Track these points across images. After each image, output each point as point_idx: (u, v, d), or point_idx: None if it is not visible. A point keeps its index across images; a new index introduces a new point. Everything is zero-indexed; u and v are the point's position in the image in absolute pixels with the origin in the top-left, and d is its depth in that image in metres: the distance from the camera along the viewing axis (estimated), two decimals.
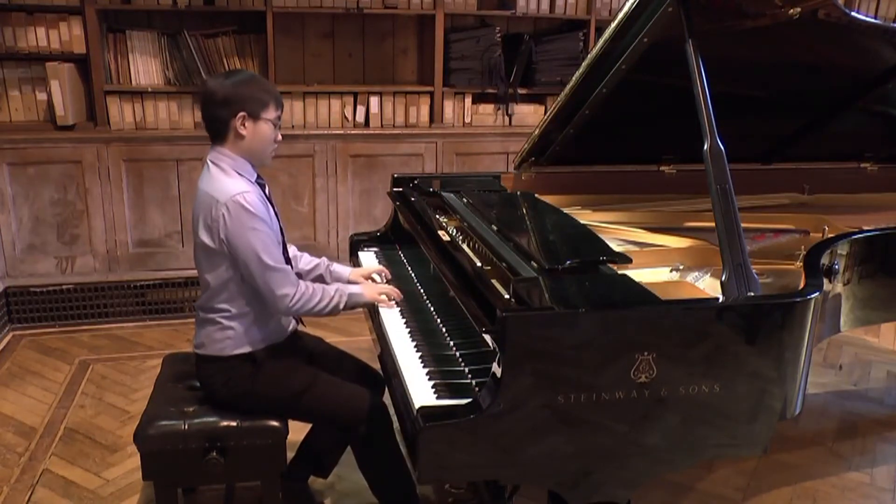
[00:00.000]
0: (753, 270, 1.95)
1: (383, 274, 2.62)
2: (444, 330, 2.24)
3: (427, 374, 2.01)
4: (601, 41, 2.45)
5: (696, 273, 2.34)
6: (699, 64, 2.11)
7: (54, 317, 4.11)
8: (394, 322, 2.35)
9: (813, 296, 1.94)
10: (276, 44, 4.21)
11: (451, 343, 2.15)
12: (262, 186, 2.27)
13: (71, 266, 4.09)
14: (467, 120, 4.61)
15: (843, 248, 2.41)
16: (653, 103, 2.72)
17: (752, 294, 1.92)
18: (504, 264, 2.06)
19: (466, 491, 2.51)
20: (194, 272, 2.36)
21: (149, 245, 4.18)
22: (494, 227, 2.35)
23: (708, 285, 2.24)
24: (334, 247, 4.38)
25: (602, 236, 2.28)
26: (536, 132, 2.88)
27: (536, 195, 2.79)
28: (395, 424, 2.15)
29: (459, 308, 2.11)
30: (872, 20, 2.84)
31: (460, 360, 2.07)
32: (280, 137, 2.27)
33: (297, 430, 2.82)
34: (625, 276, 2.00)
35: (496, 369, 1.73)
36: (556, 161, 3.00)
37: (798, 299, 1.92)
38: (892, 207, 3.10)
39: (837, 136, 3.11)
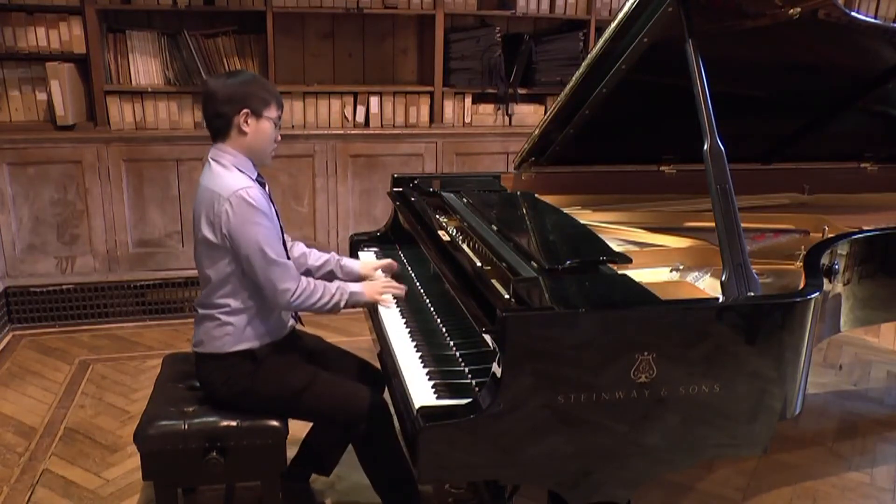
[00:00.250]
0: (753, 270, 1.95)
1: (392, 266, 2.62)
2: (444, 330, 2.24)
3: (427, 374, 2.01)
4: (601, 41, 2.45)
5: (696, 273, 2.34)
6: (699, 64, 2.11)
7: (54, 317, 4.11)
8: (394, 322, 2.35)
9: (813, 296, 1.94)
10: (276, 44, 4.21)
11: (451, 343, 2.15)
12: (263, 185, 2.28)
13: (71, 266, 4.09)
14: (467, 120, 4.61)
15: (843, 248, 2.41)
16: (653, 103, 2.72)
17: (752, 294, 1.92)
18: (504, 264, 2.06)
19: (466, 491, 2.51)
20: (194, 272, 2.37)
21: (149, 245, 4.18)
22: (494, 227, 2.35)
23: (708, 285, 2.24)
24: (334, 247, 4.38)
25: (602, 236, 2.28)
26: (536, 132, 2.88)
27: (536, 195, 2.79)
28: (396, 424, 2.16)
29: (459, 308, 2.11)
30: (872, 20, 2.84)
31: (460, 360, 2.07)
32: (279, 138, 2.30)
33: (298, 430, 2.82)
34: (625, 276, 2.00)
35: (496, 369, 1.73)
36: (556, 161, 3.00)
37: (798, 299, 1.92)
38: (892, 207, 3.10)
39: (837, 136, 3.11)
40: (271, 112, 2.22)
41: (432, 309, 2.39)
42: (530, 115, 4.64)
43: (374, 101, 4.41)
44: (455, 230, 2.55)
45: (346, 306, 2.32)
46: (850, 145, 3.24)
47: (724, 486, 2.86)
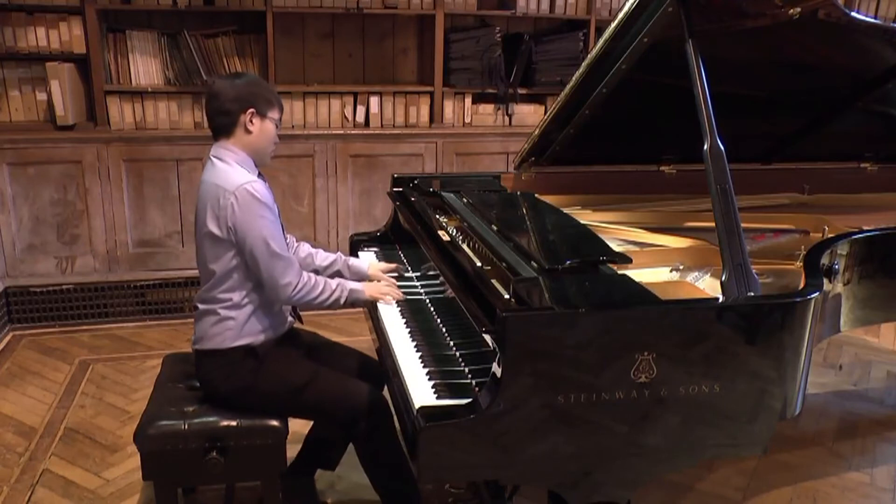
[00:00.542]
0: (753, 270, 1.95)
1: (400, 270, 2.63)
2: (444, 330, 2.24)
3: (427, 374, 2.01)
4: (601, 41, 2.45)
5: (696, 273, 2.34)
6: (699, 64, 2.11)
7: (54, 317, 4.11)
8: (394, 322, 2.35)
9: (813, 296, 1.94)
10: (276, 44, 4.21)
11: (451, 343, 2.15)
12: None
13: (71, 266, 4.09)
14: (467, 120, 4.61)
15: (843, 248, 2.41)
16: (653, 103, 2.72)
17: (752, 294, 1.92)
18: (504, 264, 2.06)
19: (466, 491, 2.51)
20: (194, 272, 2.37)
21: (149, 245, 4.18)
22: (494, 227, 2.35)
23: (708, 285, 2.24)
24: (334, 247, 4.38)
25: (602, 236, 2.28)
26: (536, 132, 2.88)
27: (536, 195, 2.79)
28: (396, 424, 2.16)
29: (459, 308, 2.11)
30: (872, 20, 2.84)
31: (460, 360, 2.07)
32: (278, 139, 2.34)
33: (298, 430, 2.82)
34: (625, 276, 2.00)
35: (496, 369, 1.73)
36: (556, 161, 3.00)
37: (798, 299, 1.92)
38: (892, 207, 3.10)
39: (837, 136, 3.11)
40: (274, 113, 2.28)
41: (432, 309, 2.39)
42: (530, 115, 4.64)
43: (374, 101, 4.41)
44: (455, 230, 2.55)
45: (345, 304, 2.33)
46: (850, 145, 3.24)
47: (724, 486, 2.86)
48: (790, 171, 3.24)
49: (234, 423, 2.21)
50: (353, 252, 2.99)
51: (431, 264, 2.27)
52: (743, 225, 2.01)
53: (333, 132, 4.35)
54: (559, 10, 4.59)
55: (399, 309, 2.42)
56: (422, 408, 1.79)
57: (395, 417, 2.07)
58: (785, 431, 3.19)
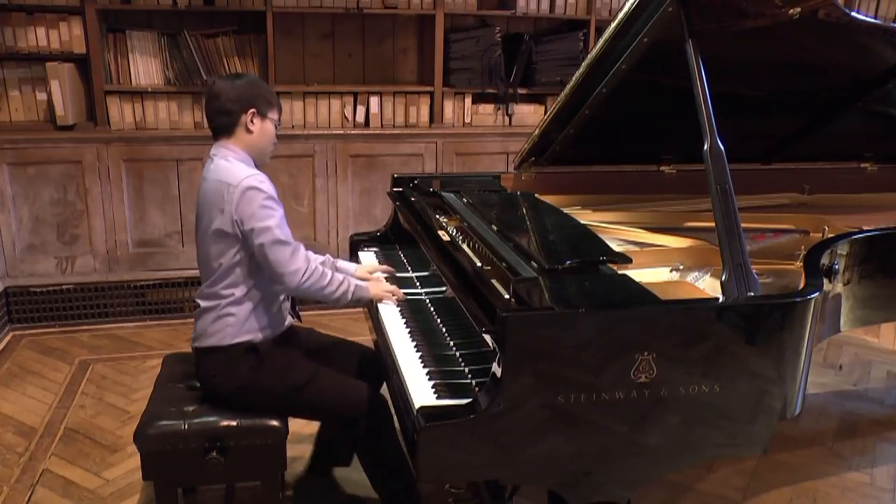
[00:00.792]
0: (753, 270, 1.95)
1: (388, 272, 2.63)
2: (444, 330, 2.24)
3: (427, 374, 2.01)
4: (601, 41, 2.45)
5: (696, 273, 2.34)
6: (699, 64, 2.11)
7: (54, 317, 4.11)
8: (394, 322, 2.35)
9: (813, 296, 1.94)
10: (276, 44, 4.21)
11: (451, 343, 2.15)
12: None
13: (71, 266, 4.09)
14: (467, 120, 4.61)
15: (843, 248, 2.41)
16: (653, 103, 2.72)
17: (752, 294, 1.92)
18: (504, 264, 2.06)
19: (466, 491, 2.51)
20: (194, 272, 2.37)
21: (149, 245, 4.18)
22: (494, 227, 2.35)
23: (708, 285, 2.24)
24: (334, 247, 4.38)
25: (602, 236, 2.28)
26: (536, 132, 2.88)
27: (536, 195, 2.79)
28: (396, 424, 2.16)
29: (459, 308, 2.11)
30: (872, 20, 2.84)
31: (460, 360, 2.07)
32: (276, 139, 2.36)
33: (298, 429, 2.82)
34: (625, 276, 2.00)
35: (496, 369, 1.73)
36: (556, 161, 3.00)
37: (798, 299, 1.92)
38: (892, 207, 3.10)
39: (837, 136, 3.11)
40: (274, 114, 2.31)
41: (432, 309, 2.39)
42: (530, 115, 4.64)
43: (374, 101, 4.41)
44: (455, 230, 2.55)
45: (350, 300, 2.34)
46: (850, 145, 3.24)
47: (724, 486, 2.86)
48: (790, 171, 3.24)
49: (234, 423, 2.21)
50: (354, 252, 2.99)
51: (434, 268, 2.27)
52: (743, 225, 2.01)
53: (333, 132, 4.35)
54: (559, 10, 4.59)
55: (399, 309, 2.42)
56: (422, 408, 1.79)
57: (395, 417, 2.07)
58: (785, 431, 3.19)
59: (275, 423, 2.23)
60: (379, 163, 4.39)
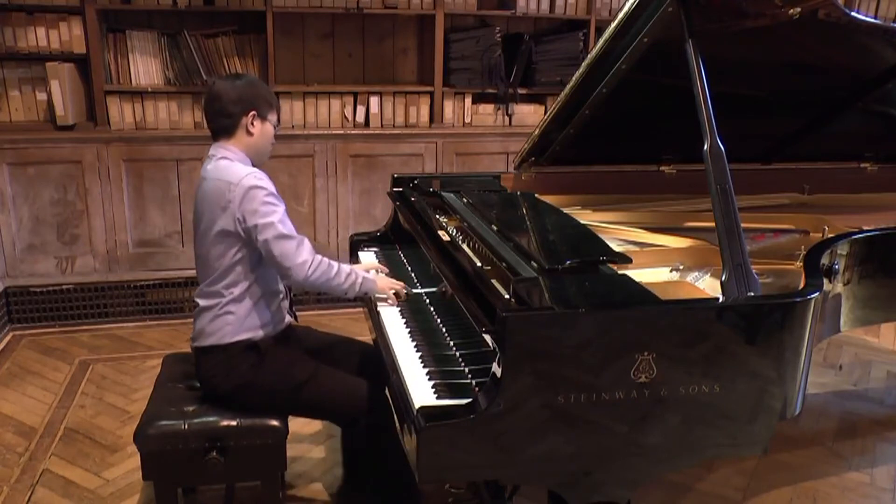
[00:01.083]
0: (753, 270, 1.95)
1: (381, 271, 2.63)
2: (444, 330, 2.24)
3: (427, 374, 2.01)
4: (601, 41, 2.45)
5: (696, 273, 2.34)
6: (699, 64, 2.11)
7: (54, 317, 4.11)
8: (394, 322, 2.35)
9: (813, 296, 1.94)
10: (276, 44, 4.21)
11: (451, 343, 2.15)
12: None
13: (71, 266, 4.09)
14: (467, 120, 4.61)
15: (843, 248, 2.40)
16: (653, 103, 2.72)
17: (752, 294, 1.92)
18: (504, 264, 2.06)
19: (466, 491, 2.51)
20: (194, 272, 2.37)
21: (149, 245, 4.18)
22: (494, 227, 2.35)
23: (708, 285, 2.24)
24: (334, 247, 4.38)
25: (602, 236, 2.28)
26: (536, 132, 2.88)
27: (536, 195, 2.79)
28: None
29: (459, 308, 2.11)
30: (872, 20, 2.84)
31: (460, 360, 2.07)
32: (274, 140, 2.38)
33: (298, 429, 2.82)
34: (625, 276, 2.00)
35: (496, 369, 1.73)
36: (556, 161, 3.00)
37: (798, 299, 1.92)
38: (892, 207, 3.10)
39: (837, 136, 3.11)
40: (273, 115, 2.32)
41: (432, 309, 2.39)
42: (530, 115, 4.64)
43: (374, 101, 4.41)
44: (455, 230, 2.55)
45: (357, 293, 2.35)
46: (850, 145, 3.24)
47: (724, 486, 2.86)
48: (790, 171, 3.24)
49: (234, 423, 2.21)
50: (354, 252, 2.99)
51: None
52: (743, 225, 2.01)
53: (333, 132, 4.35)
54: (559, 10, 4.59)
55: (399, 309, 2.42)
56: (422, 408, 1.79)
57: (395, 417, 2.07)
58: (785, 431, 3.19)
59: (275, 422, 2.23)
60: (379, 163, 4.39)
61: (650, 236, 2.62)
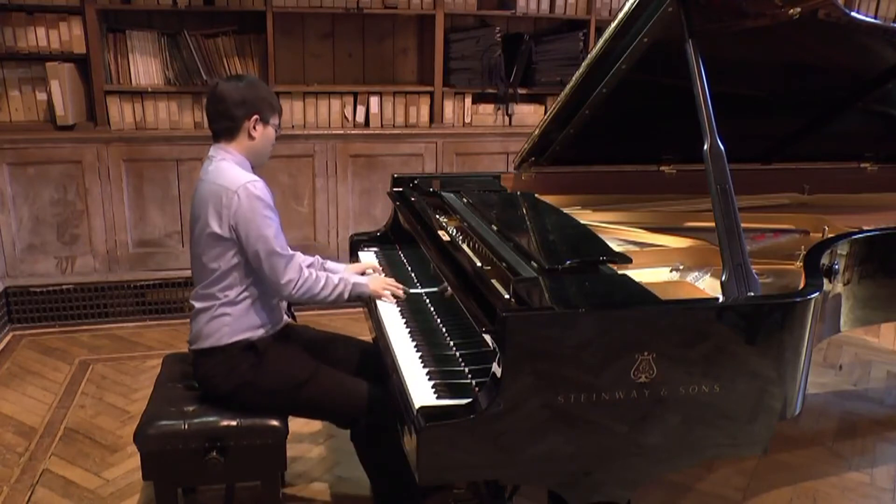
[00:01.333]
0: (753, 270, 1.95)
1: (377, 272, 2.63)
2: (444, 330, 2.24)
3: (427, 374, 2.01)
4: (601, 41, 2.45)
5: (696, 273, 2.34)
6: (699, 64, 2.11)
7: (54, 317, 4.11)
8: (394, 322, 2.34)
9: (813, 296, 1.94)
10: (276, 44, 4.21)
11: (451, 343, 2.15)
12: None
13: (71, 266, 4.09)
14: (467, 120, 4.61)
15: (843, 248, 2.40)
16: (653, 103, 2.72)
17: (752, 294, 1.92)
18: (504, 264, 2.06)
19: (466, 491, 2.50)
20: None
21: (149, 245, 4.18)
22: (494, 227, 2.35)
23: (708, 285, 2.24)
24: (334, 247, 4.38)
25: (602, 236, 2.28)
26: (536, 132, 2.88)
27: (536, 195, 2.79)
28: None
29: (459, 308, 2.11)
30: (872, 20, 2.84)
31: (460, 360, 2.07)
32: (275, 142, 2.37)
33: (298, 429, 2.82)
34: (625, 276, 2.00)
35: (496, 369, 1.73)
36: (556, 161, 3.00)
37: (798, 299, 1.92)
38: (892, 207, 3.10)
39: (837, 136, 3.11)
40: (275, 119, 2.32)
41: (432, 309, 2.39)
42: (530, 115, 4.64)
43: (374, 101, 4.41)
44: (455, 230, 2.55)
45: (349, 298, 2.34)
46: (850, 145, 3.24)
47: (724, 486, 2.86)
48: (790, 171, 3.24)
49: (233, 423, 2.21)
50: (354, 252, 2.99)
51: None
52: (743, 225, 2.01)
53: (333, 132, 4.35)
54: (559, 10, 4.59)
55: (399, 309, 2.41)
56: (422, 408, 1.79)
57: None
58: (785, 431, 3.19)
59: (275, 422, 2.23)
60: (379, 163, 4.39)
61: (650, 236, 2.61)
